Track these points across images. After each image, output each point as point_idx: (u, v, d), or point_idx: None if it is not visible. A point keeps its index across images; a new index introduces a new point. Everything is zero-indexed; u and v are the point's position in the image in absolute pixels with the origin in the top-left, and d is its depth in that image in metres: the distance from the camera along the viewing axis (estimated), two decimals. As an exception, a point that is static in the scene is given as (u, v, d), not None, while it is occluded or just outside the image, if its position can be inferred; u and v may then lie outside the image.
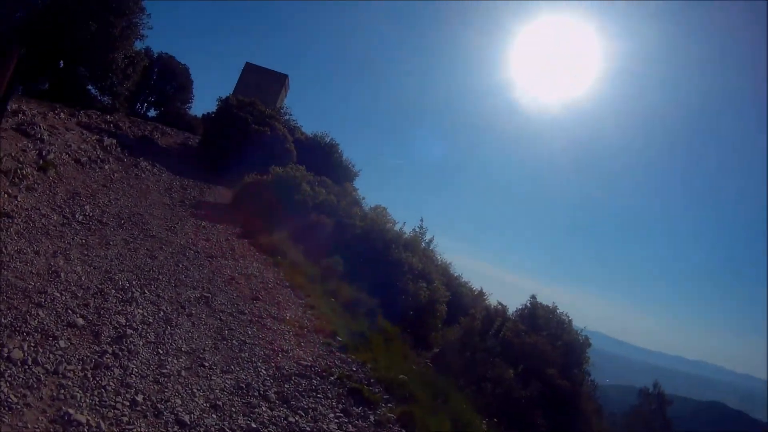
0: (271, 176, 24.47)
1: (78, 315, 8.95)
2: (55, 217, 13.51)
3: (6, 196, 13.05)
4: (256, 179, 24.73)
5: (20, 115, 20.57)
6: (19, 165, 15.09)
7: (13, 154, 15.69)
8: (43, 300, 8.98)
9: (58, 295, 9.38)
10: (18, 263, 10.02)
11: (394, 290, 16.10)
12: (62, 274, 10.25)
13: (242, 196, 23.96)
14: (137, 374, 7.87)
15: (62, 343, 7.94)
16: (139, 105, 46.24)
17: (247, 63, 54.59)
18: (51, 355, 7.54)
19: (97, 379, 7.41)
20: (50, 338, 7.98)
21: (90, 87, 34.47)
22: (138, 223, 16.00)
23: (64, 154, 19.20)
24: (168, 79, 47.44)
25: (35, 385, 6.71)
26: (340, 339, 11.40)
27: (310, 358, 10.38)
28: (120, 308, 9.81)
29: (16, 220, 12.07)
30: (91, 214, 14.95)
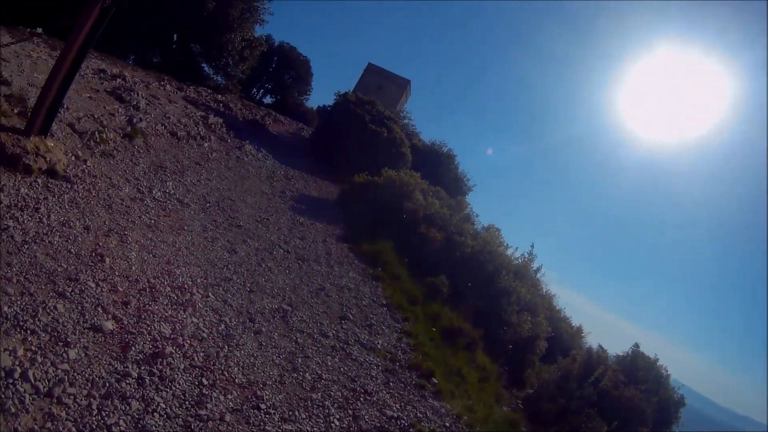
0: (383, 179, 22.27)
1: (109, 316, 6.90)
2: (126, 190, 11.83)
3: (73, 158, 11.38)
4: (367, 180, 22.59)
5: (119, 80, 19.42)
6: (100, 128, 13.59)
7: (96, 116, 14.24)
8: (69, 290, 7.00)
9: (93, 285, 7.39)
10: (56, 238, 8.15)
11: (498, 320, 15.15)
12: (108, 260, 8.31)
13: (349, 195, 21.92)
14: (162, 413, 5.76)
15: (73, 354, 5.94)
16: (255, 90, 45.87)
17: (369, 63, 53.28)
18: (51, 369, 5.56)
19: (104, 413, 5.34)
20: (60, 344, 6.01)
21: (204, 66, 33.95)
22: (225, 209, 14.21)
23: (159, 125, 17.81)
24: (287, 69, 46.81)
25: (12, 409, 4.79)
26: (435, 381, 9.75)
27: (398, 406, 8.23)
28: (169, 313, 7.72)
29: (76, 187, 10.43)
30: (171, 192, 13.28)
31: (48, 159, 10.35)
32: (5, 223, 7.73)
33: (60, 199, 9.49)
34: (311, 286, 11.63)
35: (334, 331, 9.86)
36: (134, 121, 16.04)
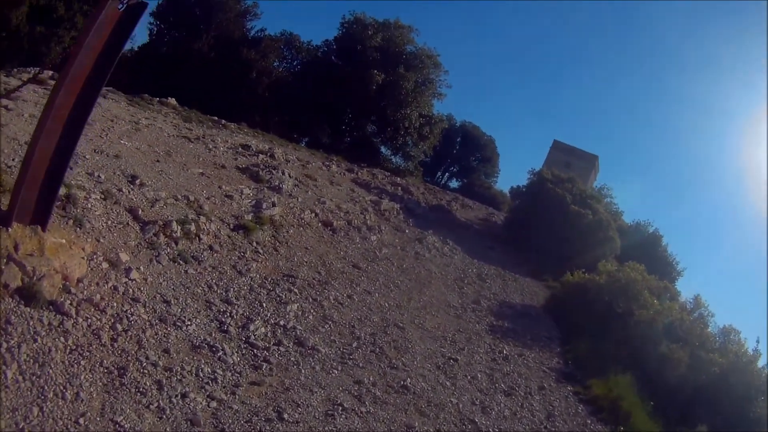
0: (603, 276, 15.39)
1: None
2: (189, 328, 5.88)
3: (106, 265, 5.91)
4: (584, 279, 15.73)
5: (262, 156, 14.55)
6: (193, 215, 8.09)
7: (195, 198, 8.94)
8: None
9: None
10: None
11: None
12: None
13: (561, 300, 15.35)
14: None
15: None
16: (439, 174, 40.74)
17: (555, 141, 47.05)
18: None
19: None
20: None
21: (381, 148, 29.15)
22: (386, 349, 8.07)
23: (307, 212, 12.37)
24: (472, 150, 41.37)
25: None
26: None
27: None
28: None
29: (70, 328, 4.66)
30: (290, 324, 7.32)
31: (32, 268, 4.97)
32: None
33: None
34: None
35: None
36: (263, 206, 10.64)
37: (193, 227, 7.96)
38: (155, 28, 28.61)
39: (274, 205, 11.21)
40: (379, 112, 26.74)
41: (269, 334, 6.79)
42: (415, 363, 7.94)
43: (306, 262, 9.85)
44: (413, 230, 16.66)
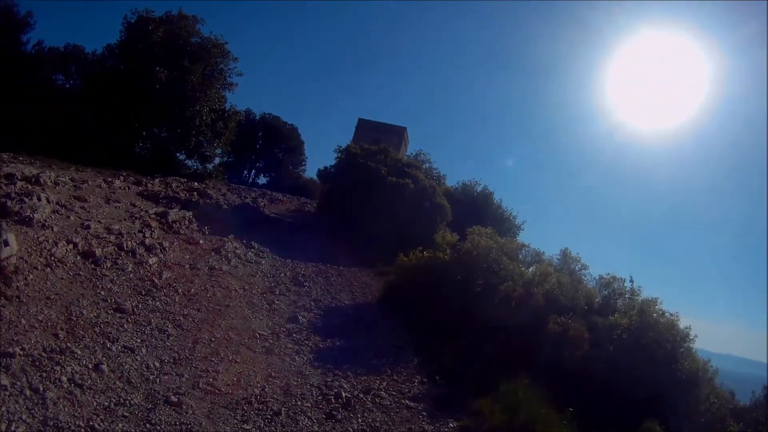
0: (445, 252, 13.60)
1: None
2: None
3: None
4: (422, 260, 13.73)
5: (19, 184, 11.38)
6: None
7: None
8: None
9: None
10: None
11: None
12: None
13: (401, 290, 13.01)
14: None
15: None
16: (245, 172, 37.84)
17: (359, 119, 45.97)
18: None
19: None
20: None
21: (179, 154, 25.63)
22: None
23: (65, 243, 9.44)
24: (275, 142, 39.11)
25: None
26: None
27: None
28: None
29: None
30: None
31: None
32: None
33: None
34: None
35: None
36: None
37: None
38: None
39: (6, 244, 8.26)
40: (167, 114, 23.12)
41: None
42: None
43: (39, 324, 6.87)
44: (209, 239, 14.12)
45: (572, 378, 8.97)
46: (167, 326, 8.26)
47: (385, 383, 8.32)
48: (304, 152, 41.12)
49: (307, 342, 9.39)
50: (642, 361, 9.42)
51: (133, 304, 8.61)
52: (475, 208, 23.94)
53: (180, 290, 9.84)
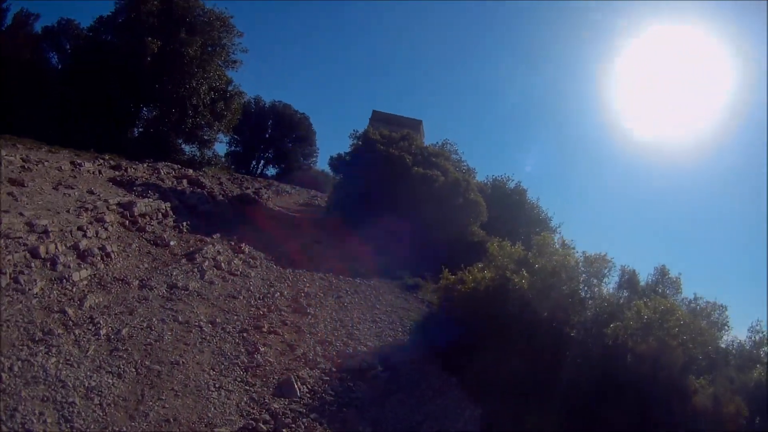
0: (521, 276, 8.92)
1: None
2: None
3: None
4: (477, 283, 9.10)
5: None
6: None
7: None
8: None
9: None
10: None
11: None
12: None
13: (448, 327, 8.71)
14: None
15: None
16: (254, 163, 34.30)
17: (374, 111, 42.68)
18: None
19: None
20: None
21: (177, 138, 21.86)
22: None
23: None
24: (285, 131, 35.59)
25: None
26: None
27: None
28: None
29: None
30: None
31: None
32: None
33: None
34: None
35: None
36: None
37: None
38: None
39: None
40: (160, 91, 19.49)
41: None
42: None
43: None
44: (185, 239, 10.48)
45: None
46: (44, 421, 4.46)
47: None
48: (316, 143, 37.57)
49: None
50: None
51: (9, 363, 4.87)
52: (507, 207, 20.84)
53: (104, 330, 6.08)
